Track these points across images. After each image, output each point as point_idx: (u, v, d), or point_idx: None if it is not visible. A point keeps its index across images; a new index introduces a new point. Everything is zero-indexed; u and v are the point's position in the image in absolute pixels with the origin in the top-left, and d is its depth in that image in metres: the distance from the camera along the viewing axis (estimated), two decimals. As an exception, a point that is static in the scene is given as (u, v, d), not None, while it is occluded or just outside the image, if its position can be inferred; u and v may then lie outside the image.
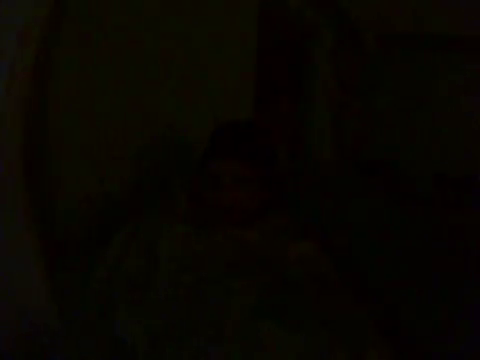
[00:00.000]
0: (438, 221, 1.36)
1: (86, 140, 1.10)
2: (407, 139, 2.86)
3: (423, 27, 2.67)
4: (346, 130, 2.93)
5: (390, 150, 2.90)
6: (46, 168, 1.09)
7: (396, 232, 1.14)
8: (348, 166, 2.46)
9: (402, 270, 1.06)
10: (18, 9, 0.92)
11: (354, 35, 2.83)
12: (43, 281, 1.08)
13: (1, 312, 1.08)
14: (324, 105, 2.68)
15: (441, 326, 0.92)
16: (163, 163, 1.31)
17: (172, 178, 1.16)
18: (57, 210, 1.12)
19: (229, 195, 0.89)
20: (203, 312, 0.72)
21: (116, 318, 0.79)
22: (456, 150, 2.71)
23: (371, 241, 1.10)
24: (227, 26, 1.74)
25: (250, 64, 1.99)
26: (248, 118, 1.59)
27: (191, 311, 0.73)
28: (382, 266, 1.06)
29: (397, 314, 0.93)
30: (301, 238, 0.91)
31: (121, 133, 1.24)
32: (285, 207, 1.05)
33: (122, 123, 1.24)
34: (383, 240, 1.08)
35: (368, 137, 2.88)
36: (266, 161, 0.96)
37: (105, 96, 1.17)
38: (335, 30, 2.69)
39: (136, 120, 1.28)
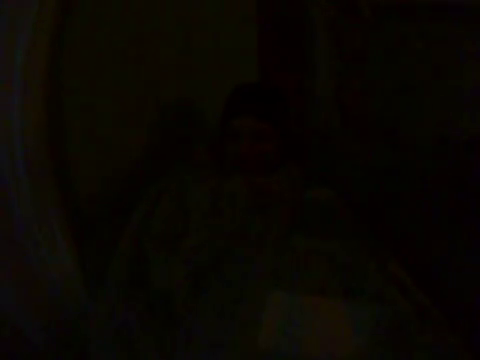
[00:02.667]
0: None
1: (108, 110, 1.19)
2: (407, 105, 3.02)
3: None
4: (351, 98, 3.02)
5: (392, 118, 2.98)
6: (68, 137, 1.18)
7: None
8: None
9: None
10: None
11: (353, 5, 2.90)
12: (70, 250, 1.17)
13: (31, 285, 1.18)
14: (326, 74, 2.69)
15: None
16: (177, 130, 1.41)
17: (189, 141, 1.26)
18: (82, 179, 1.21)
19: (247, 147, 0.97)
20: (239, 246, 0.79)
21: (150, 270, 0.86)
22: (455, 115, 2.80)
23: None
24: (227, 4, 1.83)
25: (251, 39, 2.05)
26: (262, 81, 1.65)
27: (228, 248, 0.80)
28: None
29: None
30: (316, 186, 0.99)
31: (139, 105, 1.34)
32: (298, 160, 1.14)
33: (139, 96, 1.34)
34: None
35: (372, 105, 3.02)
36: (280, 118, 1.04)
37: (123, 70, 1.28)
38: (334, 1, 2.76)
39: (152, 93, 1.37)
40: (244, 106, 1.02)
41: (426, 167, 1.41)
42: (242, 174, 0.96)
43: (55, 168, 1.15)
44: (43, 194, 1.15)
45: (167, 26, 1.52)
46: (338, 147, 1.61)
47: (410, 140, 2.83)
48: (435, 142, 2.72)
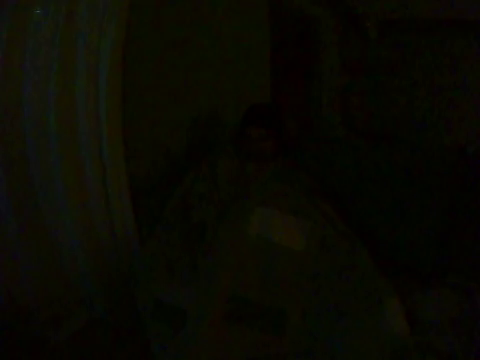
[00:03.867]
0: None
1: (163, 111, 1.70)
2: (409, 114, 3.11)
3: (419, 12, 2.90)
4: (354, 108, 3.21)
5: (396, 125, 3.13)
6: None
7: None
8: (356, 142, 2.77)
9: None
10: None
11: (357, 23, 3.11)
12: (129, 207, 1.60)
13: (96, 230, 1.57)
14: (330, 85, 3.08)
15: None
16: (209, 132, 1.95)
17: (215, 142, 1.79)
18: (139, 158, 1.70)
19: (256, 145, 1.50)
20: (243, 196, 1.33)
21: (191, 213, 1.38)
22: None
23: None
24: (245, 25, 2.23)
25: (265, 56, 2.46)
26: (268, 101, 2.20)
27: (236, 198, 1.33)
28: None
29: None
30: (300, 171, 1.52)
31: (179, 114, 1.84)
32: (289, 156, 1.65)
33: (185, 102, 1.83)
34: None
35: (376, 113, 3.17)
36: (276, 126, 1.56)
37: (176, 79, 1.77)
38: (340, 19, 3.06)
39: (188, 104, 1.88)
40: (254, 119, 1.50)
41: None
42: (252, 161, 1.48)
43: (124, 153, 1.59)
44: (115, 170, 1.58)
45: (207, 47, 1.96)
46: (340, 151, 1.84)
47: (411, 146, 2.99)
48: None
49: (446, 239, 1.48)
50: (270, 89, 2.47)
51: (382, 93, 3.17)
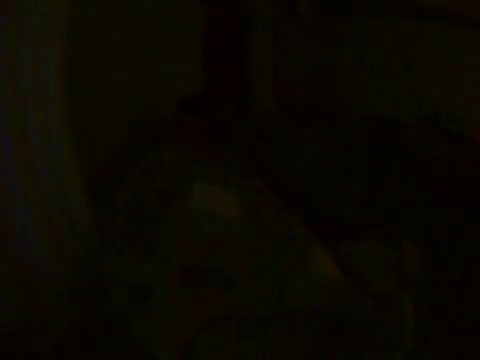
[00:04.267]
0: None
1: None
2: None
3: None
4: (286, 86, 3.27)
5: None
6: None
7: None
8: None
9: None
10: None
11: (291, 5, 3.19)
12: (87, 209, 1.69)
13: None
14: (262, 66, 3.15)
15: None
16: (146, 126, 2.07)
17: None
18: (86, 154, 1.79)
19: (187, 132, 1.65)
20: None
21: (142, 202, 1.51)
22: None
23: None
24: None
25: (196, 41, 2.58)
26: (198, 91, 2.31)
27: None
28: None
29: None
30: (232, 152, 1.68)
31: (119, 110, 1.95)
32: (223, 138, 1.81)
33: (119, 104, 1.94)
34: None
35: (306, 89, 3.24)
36: (206, 114, 1.71)
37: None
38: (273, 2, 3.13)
39: (127, 99, 1.98)
40: (183, 109, 1.67)
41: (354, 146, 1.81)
42: (189, 148, 1.64)
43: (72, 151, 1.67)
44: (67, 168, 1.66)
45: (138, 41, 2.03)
46: (273, 130, 2.02)
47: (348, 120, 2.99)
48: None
49: (368, 200, 1.70)
50: (203, 74, 2.59)
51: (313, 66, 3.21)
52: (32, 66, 1.56)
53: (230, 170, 1.55)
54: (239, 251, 1.29)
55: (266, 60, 3.19)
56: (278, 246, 1.30)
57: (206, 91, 2.43)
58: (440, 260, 1.48)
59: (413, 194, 1.70)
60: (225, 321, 1.21)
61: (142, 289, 1.32)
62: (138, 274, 1.33)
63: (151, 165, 1.54)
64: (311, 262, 1.28)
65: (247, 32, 3.10)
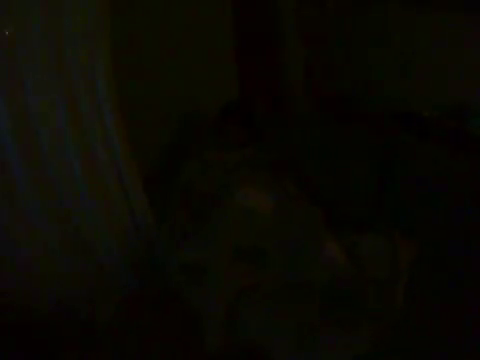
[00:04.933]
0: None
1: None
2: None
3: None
4: (315, 75, 3.27)
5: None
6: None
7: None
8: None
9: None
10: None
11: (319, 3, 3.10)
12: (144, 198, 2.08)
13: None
14: (293, 56, 3.16)
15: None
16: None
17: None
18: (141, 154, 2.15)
19: (228, 138, 2.07)
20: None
21: (193, 195, 1.96)
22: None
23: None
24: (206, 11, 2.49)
25: (228, 40, 2.73)
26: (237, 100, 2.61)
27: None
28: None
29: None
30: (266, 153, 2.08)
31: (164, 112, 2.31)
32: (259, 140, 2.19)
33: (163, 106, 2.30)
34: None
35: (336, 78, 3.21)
36: (246, 122, 2.09)
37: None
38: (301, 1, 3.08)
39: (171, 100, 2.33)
40: (227, 117, 2.08)
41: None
42: (229, 151, 2.05)
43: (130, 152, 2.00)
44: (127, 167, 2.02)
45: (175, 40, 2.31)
46: (297, 132, 2.31)
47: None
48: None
49: (376, 197, 2.05)
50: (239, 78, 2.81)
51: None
52: (85, 72, 1.81)
53: (263, 169, 1.94)
54: (271, 236, 1.71)
55: (297, 60, 3.23)
56: (300, 234, 1.72)
57: (242, 97, 2.74)
58: (433, 254, 1.79)
59: (416, 195, 2.01)
60: (258, 288, 1.63)
61: (197, 267, 1.74)
62: (193, 255, 1.76)
63: (203, 164, 1.95)
64: (324, 248, 1.69)
65: (277, 32, 3.13)
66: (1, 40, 1.63)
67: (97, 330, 1.94)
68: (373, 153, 2.08)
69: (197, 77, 2.48)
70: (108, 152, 1.94)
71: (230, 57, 2.77)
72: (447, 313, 1.57)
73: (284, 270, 1.67)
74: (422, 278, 1.74)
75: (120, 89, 1.90)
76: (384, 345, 1.50)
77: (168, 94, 2.32)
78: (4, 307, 1.81)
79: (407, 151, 2.06)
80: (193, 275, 1.74)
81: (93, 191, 1.93)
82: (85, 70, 1.81)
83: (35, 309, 1.91)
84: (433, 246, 1.81)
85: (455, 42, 2.39)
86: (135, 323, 1.86)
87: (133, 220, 2.09)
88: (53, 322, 1.93)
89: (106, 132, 1.92)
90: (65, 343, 1.88)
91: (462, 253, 1.77)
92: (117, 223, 2.05)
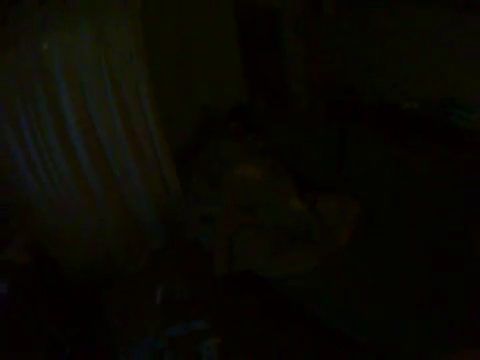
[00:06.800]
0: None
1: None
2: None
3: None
4: (315, 77, 3.57)
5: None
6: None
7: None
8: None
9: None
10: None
11: (318, 5, 3.29)
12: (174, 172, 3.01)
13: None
14: (294, 61, 3.52)
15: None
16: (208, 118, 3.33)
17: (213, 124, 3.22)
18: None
19: (232, 131, 2.98)
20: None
21: (210, 170, 2.90)
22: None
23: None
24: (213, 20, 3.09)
25: (235, 46, 3.33)
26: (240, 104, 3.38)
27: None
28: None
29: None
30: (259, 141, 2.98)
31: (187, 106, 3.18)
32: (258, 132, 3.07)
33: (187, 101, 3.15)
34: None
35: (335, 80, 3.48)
36: (247, 119, 2.98)
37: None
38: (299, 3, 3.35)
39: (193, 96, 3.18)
40: (232, 115, 3.06)
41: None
42: (233, 140, 2.96)
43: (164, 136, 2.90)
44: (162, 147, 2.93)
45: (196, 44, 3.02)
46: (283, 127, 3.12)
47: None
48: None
49: (333, 169, 2.91)
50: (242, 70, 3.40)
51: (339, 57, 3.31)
52: (132, 80, 2.61)
53: (258, 152, 2.86)
54: (259, 195, 2.65)
55: (296, 59, 3.51)
56: (277, 195, 2.65)
57: (249, 95, 3.53)
58: (372, 210, 2.61)
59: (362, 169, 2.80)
60: (249, 228, 2.56)
61: (210, 217, 2.69)
62: (208, 209, 2.71)
63: (216, 148, 2.86)
64: (292, 202, 2.62)
65: (276, 33, 3.41)
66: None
67: (132, 274, 2.84)
68: (332, 138, 2.93)
69: (215, 87, 3.27)
70: (148, 138, 2.83)
71: (241, 72, 3.44)
72: (377, 251, 2.38)
73: (267, 217, 2.59)
74: (363, 226, 2.58)
75: (158, 93, 2.74)
76: (329, 262, 2.38)
77: (194, 99, 3.19)
78: (63, 258, 2.63)
79: (357, 137, 2.86)
80: (208, 222, 2.67)
81: (137, 166, 2.82)
82: (132, 80, 2.62)
83: (89, 259, 2.72)
84: (372, 205, 2.63)
85: (443, 39, 2.59)
86: (165, 264, 2.83)
87: (165, 186, 3.00)
88: (99, 269, 2.75)
89: (147, 124, 2.79)
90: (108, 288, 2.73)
91: (391, 210, 2.58)
92: (153, 188, 2.93)
